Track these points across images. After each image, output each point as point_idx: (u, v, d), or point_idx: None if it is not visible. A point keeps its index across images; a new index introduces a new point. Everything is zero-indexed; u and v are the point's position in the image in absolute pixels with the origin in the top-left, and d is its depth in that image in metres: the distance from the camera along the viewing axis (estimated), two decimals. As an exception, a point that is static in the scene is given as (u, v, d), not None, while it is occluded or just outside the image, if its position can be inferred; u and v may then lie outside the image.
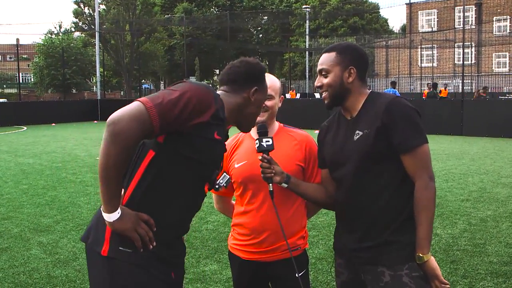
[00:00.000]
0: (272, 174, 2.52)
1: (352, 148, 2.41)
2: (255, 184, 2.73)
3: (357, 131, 2.41)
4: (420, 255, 2.34)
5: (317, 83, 2.52)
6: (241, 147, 2.85)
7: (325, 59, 2.49)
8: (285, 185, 2.57)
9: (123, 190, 2.12)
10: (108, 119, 1.95)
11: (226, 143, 2.56)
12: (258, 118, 2.74)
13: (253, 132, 2.78)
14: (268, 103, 2.77)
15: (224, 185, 2.32)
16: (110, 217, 2.03)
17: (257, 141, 2.56)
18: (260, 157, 2.54)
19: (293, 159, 2.78)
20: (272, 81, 2.83)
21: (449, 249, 5.97)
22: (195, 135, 2.06)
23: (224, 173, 2.33)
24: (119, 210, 2.03)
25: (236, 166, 2.79)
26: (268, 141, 2.53)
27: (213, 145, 2.14)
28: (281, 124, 2.95)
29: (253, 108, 2.36)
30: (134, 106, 1.97)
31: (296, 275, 2.71)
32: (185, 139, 2.07)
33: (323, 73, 2.48)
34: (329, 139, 2.57)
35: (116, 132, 1.91)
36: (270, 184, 2.53)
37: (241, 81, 2.34)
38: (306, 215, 2.93)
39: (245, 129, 2.42)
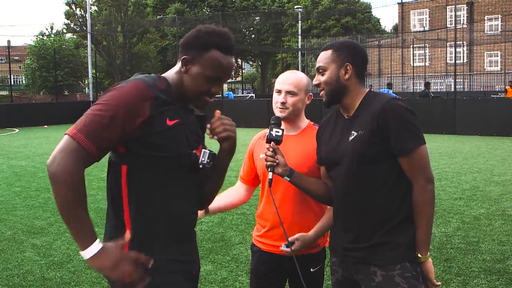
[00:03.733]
0: (275, 164, 2.54)
1: (346, 148, 2.41)
2: (276, 177, 2.72)
3: (353, 131, 2.40)
4: (419, 255, 2.36)
5: (315, 81, 2.51)
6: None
7: (322, 57, 2.48)
8: (288, 179, 2.58)
9: (124, 212, 2.06)
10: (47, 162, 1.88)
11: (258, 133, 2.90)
12: (278, 114, 2.79)
13: (284, 125, 2.87)
14: (289, 100, 2.79)
15: (207, 161, 2.13)
16: (84, 254, 1.88)
17: (268, 130, 2.59)
18: (267, 146, 2.57)
19: (312, 155, 2.79)
20: (296, 77, 2.85)
21: (442, 247, 6.00)
22: (146, 134, 1.96)
23: (203, 150, 2.15)
24: (94, 247, 1.87)
25: (260, 156, 2.85)
26: (278, 132, 2.55)
27: (171, 133, 2.02)
28: (311, 122, 2.97)
29: (188, 81, 2.10)
30: (63, 141, 1.90)
31: (311, 269, 2.89)
32: (142, 142, 1.98)
33: (320, 71, 2.47)
34: (325, 137, 2.57)
35: (52, 174, 1.85)
36: (270, 173, 2.55)
37: (181, 48, 2.15)
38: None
39: (194, 105, 2.20)
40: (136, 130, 1.94)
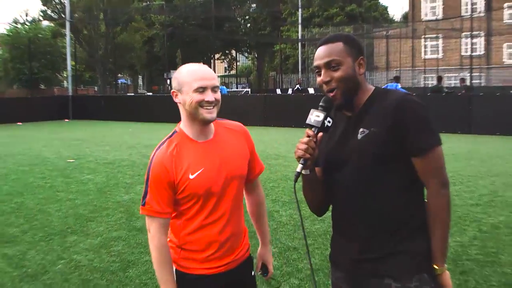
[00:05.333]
0: (309, 156, 2.37)
1: (355, 147, 2.39)
2: (217, 191, 2.68)
3: (362, 129, 2.38)
4: (435, 267, 2.35)
5: (325, 77, 2.41)
6: (186, 152, 2.67)
7: (333, 50, 2.41)
8: (308, 172, 2.47)
9: None
10: None
11: (157, 155, 2.64)
12: (208, 116, 2.62)
13: (197, 131, 2.69)
14: (215, 96, 2.64)
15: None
16: None
17: (319, 115, 2.38)
18: (312, 132, 2.36)
19: (242, 152, 2.80)
20: (210, 71, 2.70)
21: (458, 258, 5.98)
22: None
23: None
24: None
25: (191, 177, 2.62)
26: (330, 122, 2.39)
27: None
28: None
29: None
30: None
31: (253, 273, 2.94)
32: None
33: (332, 66, 2.39)
34: (324, 136, 2.54)
35: None
36: (300, 165, 2.37)
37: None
38: None
39: None
40: None
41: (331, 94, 2.41)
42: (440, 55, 46.31)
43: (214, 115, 2.64)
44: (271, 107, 25.30)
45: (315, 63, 2.45)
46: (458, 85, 40.26)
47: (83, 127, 24.88)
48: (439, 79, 23.91)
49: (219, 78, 58.17)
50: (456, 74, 44.65)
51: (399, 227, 2.36)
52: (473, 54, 27.67)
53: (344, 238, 2.49)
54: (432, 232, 2.35)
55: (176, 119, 2.70)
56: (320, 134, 2.39)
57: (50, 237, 6.95)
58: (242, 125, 2.90)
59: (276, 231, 7.03)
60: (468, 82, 29.79)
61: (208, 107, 2.61)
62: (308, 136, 2.36)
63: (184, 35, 52.27)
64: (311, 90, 34.72)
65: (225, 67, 74.32)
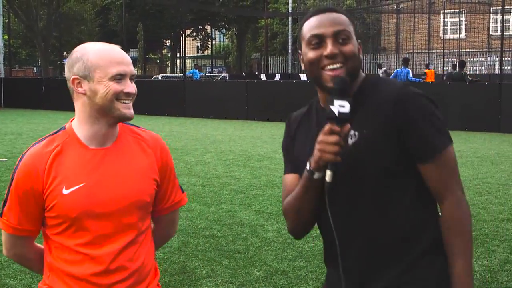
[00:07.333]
0: (338, 157, 2.18)
1: (345, 155, 2.25)
2: (101, 217, 2.49)
3: (351, 131, 2.27)
4: None
5: (332, 49, 2.30)
6: (68, 158, 2.50)
7: (341, 20, 2.36)
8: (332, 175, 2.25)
9: None
10: None
11: (29, 153, 2.50)
12: (127, 112, 2.50)
13: (95, 133, 2.52)
14: (129, 89, 2.49)
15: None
16: None
17: (343, 104, 2.18)
18: (338, 127, 2.16)
19: (149, 172, 2.64)
20: (124, 54, 2.56)
21: (485, 286, 5.99)
22: None
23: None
24: None
25: (64, 192, 2.45)
26: (343, 106, 2.18)
27: None
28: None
29: None
30: None
31: None
32: None
33: (342, 38, 2.33)
34: (302, 137, 2.49)
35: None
36: (329, 173, 2.22)
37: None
38: None
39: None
40: None
41: (334, 73, 2.30)
42: (463, 35, 46.58)
43: (133, 111, 2.53)
44: (255, 96, 25.29)
45: (317, 31, 2.33)
46: (484, 71, 40.56)
47: (18, 118, 24.70)
48: (462, 64, 24.03)
49: (190, 60, 58.11)
50: (483, 59, 44.96)
51: (402, 255, 2.32)
52: (505, 34, 27.75)
53: (336, 268, 2.42)
54: (454, 254, 2.29)
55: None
56: (347, 126, 2.18)
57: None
58: (160, 138, 2.75)
59: (260, 250, 7.01)
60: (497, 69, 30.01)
61: (126, 101, 2.49)
62: (333, 133, 2.17)
63: (147, 4, 52.07)
64: (303, 77, 34.69)
65: (198, 46, 74.17)
